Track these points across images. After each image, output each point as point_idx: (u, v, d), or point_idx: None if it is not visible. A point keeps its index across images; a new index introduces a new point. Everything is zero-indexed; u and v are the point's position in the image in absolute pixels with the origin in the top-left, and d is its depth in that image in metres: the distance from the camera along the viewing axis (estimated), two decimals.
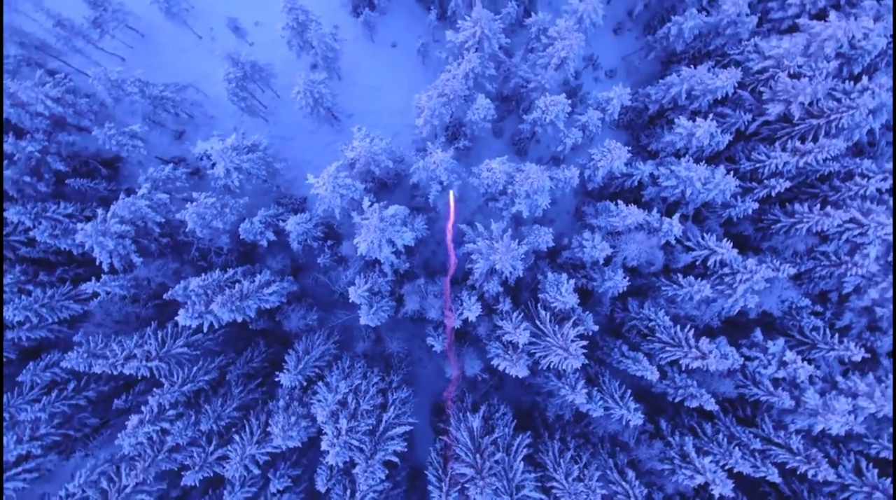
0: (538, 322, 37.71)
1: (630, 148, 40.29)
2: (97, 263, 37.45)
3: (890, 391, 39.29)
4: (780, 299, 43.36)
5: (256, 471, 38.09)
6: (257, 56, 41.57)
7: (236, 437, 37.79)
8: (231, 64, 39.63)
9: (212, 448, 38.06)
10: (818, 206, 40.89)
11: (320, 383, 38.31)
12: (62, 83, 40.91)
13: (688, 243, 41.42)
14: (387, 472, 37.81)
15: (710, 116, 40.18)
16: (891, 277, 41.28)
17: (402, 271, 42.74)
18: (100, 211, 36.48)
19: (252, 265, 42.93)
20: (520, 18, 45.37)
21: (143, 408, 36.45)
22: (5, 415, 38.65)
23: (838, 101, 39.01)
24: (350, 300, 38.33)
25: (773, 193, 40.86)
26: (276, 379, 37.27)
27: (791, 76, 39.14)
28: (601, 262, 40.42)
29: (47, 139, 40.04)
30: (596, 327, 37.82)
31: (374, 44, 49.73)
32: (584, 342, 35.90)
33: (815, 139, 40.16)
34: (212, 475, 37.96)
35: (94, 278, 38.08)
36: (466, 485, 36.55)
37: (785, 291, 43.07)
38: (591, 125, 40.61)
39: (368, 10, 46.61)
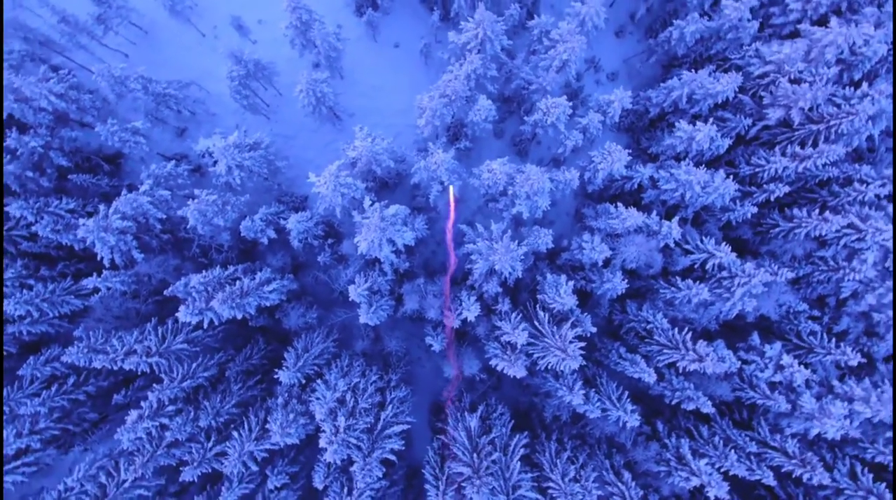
0: (537, 323, 37.88)
1: (630, 151, 40.39)
2: (98, 258, 37.63)
3: (885, 396, 39.46)
4: (777, 304, 43.54)
5: (254, 468, 38.32)
6: (260, 54, 41.67)
7: (235, 433, 37.98)
8: (234, 62, 39.76)
9: (210, 444, 38.27)
10: (817, 211, 41.06)
11: (319, 381, 38.47)
12: (66, 79, 41.11)
13: (686, 247, 41.59)
14: (384, 470, 38.01)
15: (711, 120, 40.38)
16: (888, 282, 41.47)
17: (402, 270, 42.92)
18: (101, 207, 36.67)
19: (252, 263, 43.14)
20: (522, 20, 45.51)
21: (142, 403, 36.64)
22: (5, 409, 38.84)
23: (838, 106, 39.17)
24: (350, 299, 38.50)
25: (773, 198, 40.97)
26: (275, 376, 37.43)
27: (791, 81, 39.29)
28: (600, 264, 40.59)
29: (50, 135, 40.23)
30: (594, 329, 37.98)
31: (377, 44, 49.89)
32: (583, 344, 36.05)
33: (814, 144, 40.33)
34: (210, 470, 38.17)
35: (95, 274, 38.21)
36: (463, 484, 36.72)
37: (783, 295, 43.25)
38: (591, 128, 40.76)
39: (371, 10, 46.78)
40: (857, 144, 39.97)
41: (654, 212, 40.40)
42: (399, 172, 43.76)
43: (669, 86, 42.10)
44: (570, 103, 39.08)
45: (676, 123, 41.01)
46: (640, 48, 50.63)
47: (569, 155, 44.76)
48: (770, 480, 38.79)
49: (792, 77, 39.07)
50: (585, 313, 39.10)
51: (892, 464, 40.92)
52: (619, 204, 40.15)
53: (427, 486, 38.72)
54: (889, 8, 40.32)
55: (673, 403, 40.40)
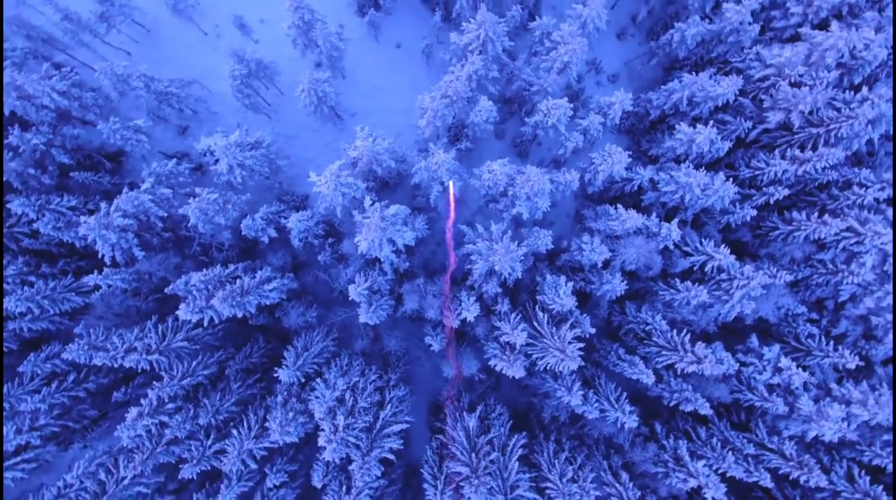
0: (536, 324, 38.00)
1: (630, 153, 40.54)
2: (99, 256, 37.73)
3: (883, 399, 39.58)
4: (776, 306, 43.65)
5: (253, 466, 38.41)
6: (262, 53, 41.78)
7: (234, 431, 38.09)
8: (236, 61, 39.87)
9: (210, 442, 38.38)
10: (816, 214, 41.19)
11: (318, 380, 38.58)
12: (68, 77, 41.10)
13: (686, 249, 41.71)
14: (383, 469, 38.15)
15: (711, 122, 40.55)
16: (886, 286, 41.57)
17: (402, 270, 43.04)
18: (103, 204, 36.77)
19: (253, 261, 43.25)
20: (524, 22, 45.66)
21: (142, 401, 36.76)
22: (5, 405, 38.96)
23: (838, 110, 39.31)
24: (349, 298, 38.62)
25: (772, 201, 41.12)
26: (275, 375, 37.57)
27: (792, 85, 39.43)
28: (600, 265, 40.71)
29: (52, 132, 40.32)
30: (593, 330, 38.10)
31: (379, 44, 50.00)
32: (581, 345, 36.17)
33: (814, 148, 40.48)
34: (209, 468, 38.28)
35: (95, 271, 38.33)
36: (461, 484, 36.84)
37: (781, 298, 43.36)
38: (592, 129, 40.88)
39: (374, 10, 46.89)
40: (856, 147, 40.14)
41: (654, 214, 40.52)
42: (400, 172, 43.88)
43: (670, 88, 42.25)
44: (571, 105, 39.23)
45: (677, 126, 41.16)
46: (641, 50, 50.76)
47: (569, 156, 44.88)
48: (767, 482, 38.89)
49: (792, 81, 39.22)
50: (584, 315, 39.22)
51: (889, 467, 41.04)
52: (619, 206, 40.27)
53: (425, 485, 38.84)
54: (889, 12, 40.46)
55: (671, 404, 40.51)
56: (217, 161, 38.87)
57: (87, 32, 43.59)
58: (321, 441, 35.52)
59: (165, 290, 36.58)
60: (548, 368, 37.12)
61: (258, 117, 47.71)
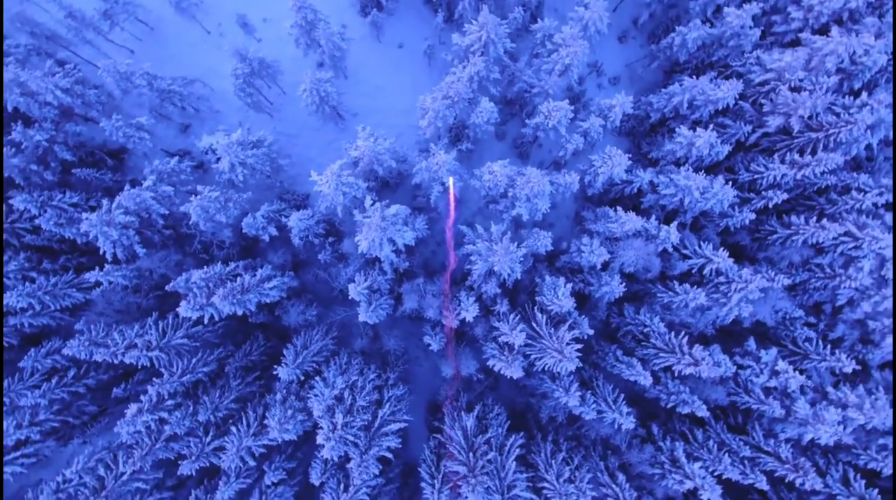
0: (534, 325, 38.17)
1: (630, 155, 40.72)
2: (101, 252, 37.97)
3: (879, 403, 39.73)
4: (774, 310, 43.81)
5: (252, 463, 38.55)
6: (265, 53, 41.99)
7: (233, 428, 38.23)
8: (239, 60, 40.07)
9: (209, 439, 38.52)
10: (814, 218, 41.33)
11: (317, 378, 38.74)
12: (71, 74, 41.32)
13: (685, 251, 41.91)
14: (381, 468, 38.28)
15: (711, 126, 40.67)
16: (884, 290, 41.71)
17: (402, 269, 43.21)
18: (105, 201, 36.98)
19: (253, 260, 43.41)
20: (526, 24, 45.83)
21: (141, 397, 36.94)
22: (6, 400, 39.12)
23: (837, 115, 39.51)
24: (349, 297, 38.80)
25: (771, 205, 41.30)
26: (274, 373, 37.74)
27: (792, 89, 39.64)
28: (599, 267, 40.90)
29: (55, 129, 40.53)
30: (591, 331, 38.24)
31: (381, 44, 50.19)
32: (579, 346, 36.32)
33: (813, 152, 40.64)
34: (208, 465, 38.44)
35: (97, 268, 38.52)
36: (459, 483, 37.02)
37: (779, 301, 43.53)
38: (592, 132, 41.05)
39: (376, 10, 47.08)
40: (855, 153, 40.34)
41: (653, 216, 40.65)
42: (401, 172, 44.05)
43: (671, 91, 42.42)
44: (572, 107, 39.45)
45: (677, 129, 41.36)
46: (642, 53, 50.94)
47: (569, 158, 45.06)
48: (763, 484, 39.05)
49: (792, 85, 39.43)
50: (583, 316, 39.38)
51: (884, 470, 41.17)
52: (619, 208, 40.45)
53: (423, 484, 39.00)
54: (889, 18, 40.64)
55: (668, 406, 40.68)
56: (219, 159, 39.06)
57: (90, 30, 43.79)
58: (320, 439, 35.69)
59: (166, 287, 36.76)
60: (546, 368, 37.32)
61: (260, 116, 47.91)
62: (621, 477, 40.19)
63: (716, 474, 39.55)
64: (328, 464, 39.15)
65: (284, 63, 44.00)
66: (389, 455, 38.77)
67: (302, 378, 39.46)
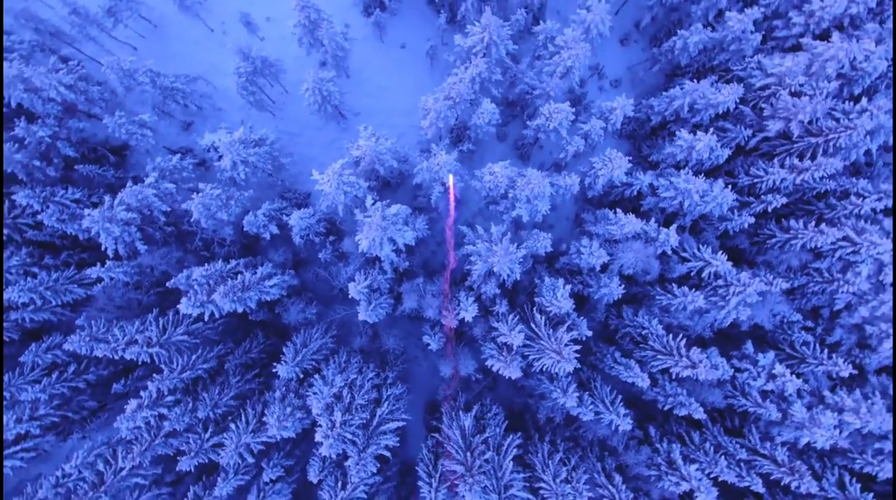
0: (533, 325, 38.33)
1: (631, 158, 40.93)
2: (102, 248, 38.12)
3: (875, 408, 39.91)
4: (772, 313, 43.99)
5: (250, 459, 38.75)
6: (268, 51, 42.16)
7: (232, 425, 38.41)
8: (242, 58, 40.22)
9: (208, 435, 38.70)
10: (813, 223, 41.51)
11: (316, 376, 38.92)
12: (75, 70, 41.52)
13: (684, 254, 42.07)
14: (378, 466, 38.46)
15: (711, 129, 40.79)
16: (881, 295, 41.86)
17: (402, 269, 43.38)
18: (107, 198, 37.15)
19: (254, 257, 43.54)
20: (528, 26, 45.99)
21: (141, 393, 37.07)
22: (6, 394, 39.30)
23: (837, 120, 39.63)
24: (349, 296, 38.95)
25: (770, 209, 41.42)
26: (274, 370, 37.87)
27: (792, 94, 39.77)
28: (598, 269, 41.05)
29: (58, 125, 40.62)
30: (590, 333, 38.40)
31: (384, 44, 50.35)
32: (578, 347, 36.46)
33: (812, 157, 40.80)
34: (206, 461, 38.60)
35: (98, 264, 38.67)
36: (456, 482, 37.19)
37: (777, 305, 43.70)
38: (593, 134, 41.21)
39: (379, 10, 47.23)
40: (854, 158, 40.47)
41: (653, 219, 40.79)
42: (402, 172, 44.21)
43: (671, 95, 42.57)
44: (573, 109, 39.60)
45: (677, 132, 41.50)
46: (643, 56, 51.09)
47: (570, 160, 45.23)
48: (759, 487, 39.23)
49: (793, 90, 39.55)
50: (582, 317, 39.54)
51: (880, 475, 41.32)
52: (619, 210, 40.61)
53: (420, 483, 39.18)
54: (890, 24, 40.80)
55: (665, 408, 40.84)
56: (221, 157, 39.19)
57: (94, 27, 43.93)
58: (318, 437, 35.87)
59: (167, 284, 36.90)
60: (544, 369, 37.48)
61: (262, 115, 48.07)
62: (618, 478, 40.37)
63: (712, 476, 39.76)
64: (326, 462, 39.32)
65: (287, 62, 44.18)
66: (387, 454, 38.95)
67: (301, 376, 39.63)
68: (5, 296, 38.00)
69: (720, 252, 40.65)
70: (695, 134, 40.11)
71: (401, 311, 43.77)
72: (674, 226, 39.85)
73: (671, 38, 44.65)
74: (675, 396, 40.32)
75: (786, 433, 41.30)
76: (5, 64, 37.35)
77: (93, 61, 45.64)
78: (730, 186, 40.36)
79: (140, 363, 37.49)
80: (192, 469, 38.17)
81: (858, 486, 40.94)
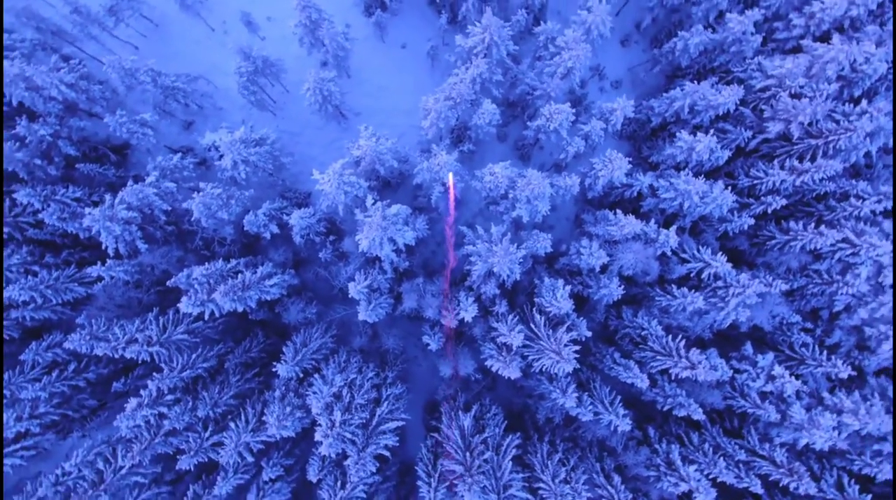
0: (532, 326, 38.39)
1: (631, 159, 40.96)
2: (103, 247, 38.17)
3: (874, 409, 39.98)
4: (771, 315, 44.07)
5: (250, 458, 38.82)
6: (269, 51, 42.23)
7: (232, 424, 38.47)
8: (243, 58, 40.28)
9: (207, 434, 38.76)
10: (813, 224, 41.58)
11: (316, 376, 38.98)
12: (76, 69, 41.57)
13: (683, 255, 42.13)
14: (378, 465, 38.52)
15: (711, 131, 40.91)
16: (881, 297, 41.92)
17: (402, 269, 43.43)
18: (108, 196, 37.21)
19: (254, 257, 43.61)
20: (529, 26, 46.03)
21: (141, 392, 37.11)
22: (6, 393, 39.35)
23: (837, 122, 39.70)
24: (349, 296, 39.01)
25: (770, 210, 41.49)
26: (274, 370, 37.92)
27: (792, 96, 39.82)
28: (597, 269, 41.11)
29: (59, 124, 40.66)
30: (589, 333, 38.47)
31: (385, 44, 50.40)
32: (577, 348, 36.53)
33: (812, 159, 40.87)
34: (206, 460, 38.66)
35: (98, 263, 38.73)
36: (455, 482, 37.25)
37: (776, 306, 43.78)
38: (593, 135, 41.26)
39: (380, 10, 47.27)
40: (854, 160, 40.54)
41: (653, 220, 40.88)
42: (402, 172, 44.27)
43: (672, 96, 42.64)
44: (574, 110, 39.65)
45: (677, 133, 41.55)
46: (644, 58, 51.14)
47: (570, 161, 45.28)
48: (758, 488, 39.31)
49: (793, 92, 39.61)
50: (581, 318, 39.60)
51: (878, 476, 41.39)
52: (619, 211, 40.67)
53: (419, 482, 39.25)
54: (890, 27, 40.85)
55: (665, 409, 40.91)
56: (221, 157, 39.24)
57: (95, 26, 43.96)
58: (318, 436, 35.93)
59: (167, 283, 36.96)
60: (543, 370, 37.53)
61: (263, 114, 48.13)
62: (617, 479, 40.44)
63: (711, 477, 39.81)
64: (326, 461, 39.38)
65: (288, 62, 44.23)
66: (387, 453, 39.01)
67: (301, 376, 39.68)
68: (6, 294, 38.05)
69: (720, 253, 40.74)
70: (695, 135, 40.16)
71: (401, 311, 43.82)
72: (673, 227, 39.92)
73: (672, 39, 44.70)
74: (675, 397, 40.38)
75: (785, 434, 41.38)
76: (7, 62, 37.38)
77: (94, 60, 45.69)
78: (730, 188, 40.42)
79: (140, 362, 37.49)
80: (192, 468, 38.26)
81: (857, 487, 40.99)
